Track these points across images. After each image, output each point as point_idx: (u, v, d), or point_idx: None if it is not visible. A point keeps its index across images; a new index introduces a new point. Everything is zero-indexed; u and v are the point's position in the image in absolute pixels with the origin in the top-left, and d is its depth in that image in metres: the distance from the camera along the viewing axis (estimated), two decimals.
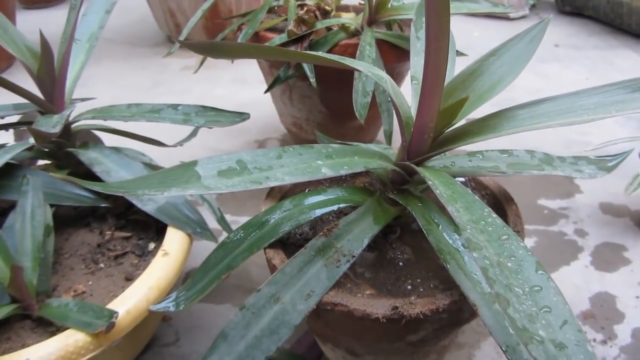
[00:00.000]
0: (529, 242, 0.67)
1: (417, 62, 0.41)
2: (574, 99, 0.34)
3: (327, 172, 0.32)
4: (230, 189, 0.29)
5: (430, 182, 0.33)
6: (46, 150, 0.53)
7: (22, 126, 0.54)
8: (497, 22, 1.53)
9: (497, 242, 0.28)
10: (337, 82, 0.64)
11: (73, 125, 0.53)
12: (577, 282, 0.61)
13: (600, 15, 1.44)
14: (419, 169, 0.35)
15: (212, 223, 0.52)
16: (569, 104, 0.34)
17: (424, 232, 0.34)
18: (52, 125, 0.44)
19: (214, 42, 0.34)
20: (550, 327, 0.24)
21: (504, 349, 0.29)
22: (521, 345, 0.29)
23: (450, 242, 0.34)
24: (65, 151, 0.52)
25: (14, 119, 0.53)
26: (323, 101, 0.73)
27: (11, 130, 0.56)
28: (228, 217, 0.71)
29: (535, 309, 0.25)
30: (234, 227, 0.39)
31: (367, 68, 0.36)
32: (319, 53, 0.35)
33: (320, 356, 0.50)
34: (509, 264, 0.27)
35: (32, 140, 0.49)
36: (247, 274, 0.62)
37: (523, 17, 1.56)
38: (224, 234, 0.55)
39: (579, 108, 0.33)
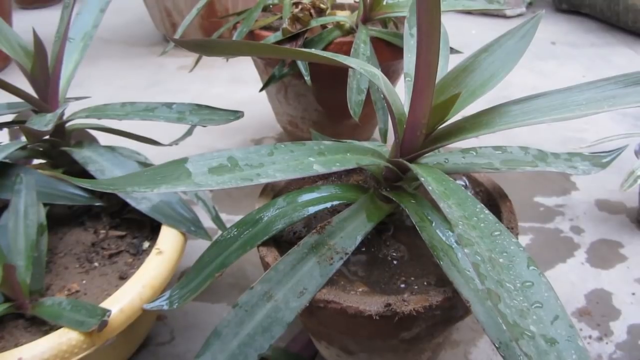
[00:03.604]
0: (525, 239, 0.67)
1: (410, 59, 0.41)
2: (567, 95, 0.34)
3: (318, 168, 0.32)
4: (220, 186, 0.29)
5: (422, 179, 0.32)
6: (41, 149, 0.53)
7: (15, 125, 0.54)
8: (494, 20, 1.53)
9: (489, 238, 0.28)
10: (332, 80, 0.64)
11: (67, 124, 0.53)
12: (573, 279, 0.61)
13: (597, 12, 1.44)
14: (412, 166, 0.35)
15: (207, 222, 0.52)
16: (562, 100, 0.34)
17: (417, 229, 0.34)
18: (44, 123, 0.44)
19: (207, 39, 0.34)
20: (542, 322, 0.24)
21: (497, 345, 0.29)
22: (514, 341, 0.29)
23: (444, 238, 0.34)
24: (60, 150, 0.52)
25: (9, 118, 0.53)
26: (318, 99, 0.73)
27: (6, 130, 0.56)
28: (223, 216, 0.71)
29: (527, 304, 0.24)
30: (229, 226, 0.39)
31: (360, 65, 0.36)
32: (312, 50, 0.35)
33: (315, 355, 0.50)
34: (501, 260, 0.27)
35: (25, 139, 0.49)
36: (242, 273, 0.62)
37: (520, 15, 1.56)
38: (219, 233, 0.55)
39: (572, 103, 0.33)
